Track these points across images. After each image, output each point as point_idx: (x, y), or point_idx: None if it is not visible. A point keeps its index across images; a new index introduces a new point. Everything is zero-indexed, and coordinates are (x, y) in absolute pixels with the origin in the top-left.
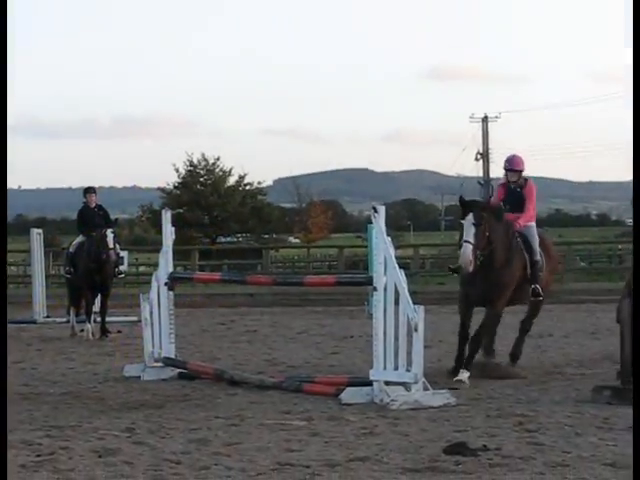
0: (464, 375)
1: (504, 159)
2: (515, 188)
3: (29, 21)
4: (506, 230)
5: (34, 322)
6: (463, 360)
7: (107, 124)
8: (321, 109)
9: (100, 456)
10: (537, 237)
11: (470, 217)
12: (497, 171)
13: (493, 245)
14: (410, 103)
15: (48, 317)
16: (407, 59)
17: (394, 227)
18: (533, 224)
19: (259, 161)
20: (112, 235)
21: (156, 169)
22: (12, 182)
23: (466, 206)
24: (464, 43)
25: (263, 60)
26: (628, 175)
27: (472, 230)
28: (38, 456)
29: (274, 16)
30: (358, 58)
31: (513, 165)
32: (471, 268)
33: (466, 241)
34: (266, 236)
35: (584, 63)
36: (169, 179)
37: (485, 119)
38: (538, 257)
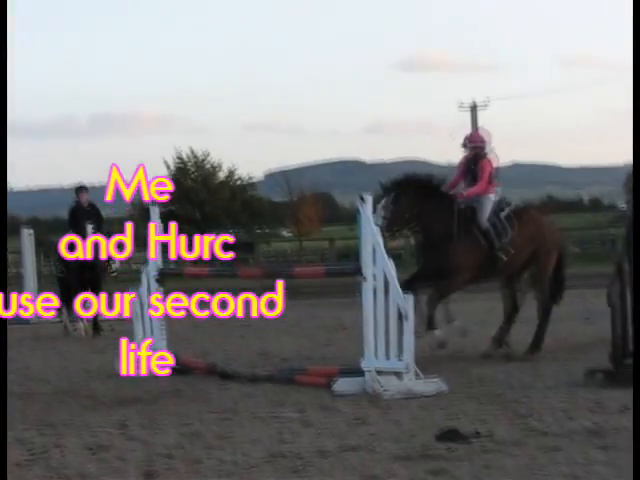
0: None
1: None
2: (471, 164)
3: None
4: (445, 203)
5: (27, 321)
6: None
7: (86, 122)
8: (301, 102)
9: (93, 452)
10: (488, 208)
11: (383, 200)
12: None
13: (424, 219)
14: (387, 94)
15: (40, 316)
16: (380, 50)
17: None
18: (488, 196)
19: (247, 155)
20: (90, 227)
21: (147, 166)
22: None
23: (384, 190)
24: (434, 33)
25: (242, 54)
26: (620, 159)
27: (383, 211)
28: (31, 454)
29: (254, 10)
30: (333, 50)
31: (469, 141)
32: (387, 241)
33: (382, 217)
34: (258, 230)
35: (562, 48)
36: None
37: (474, 107)
38: (484, 223)
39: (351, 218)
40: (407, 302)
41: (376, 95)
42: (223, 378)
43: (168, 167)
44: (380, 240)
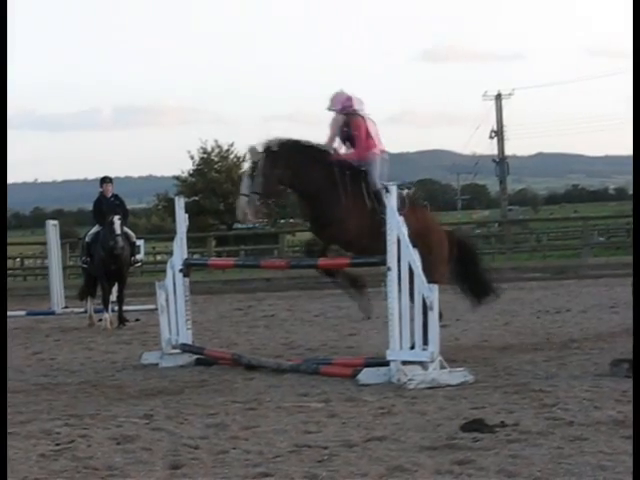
0: None
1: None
2: (344, 127)
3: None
4: (325, 168)
5: (52, 313)
6: None
7: (110, 114)
8: (323, 93)
9: (119, 443)
10: (378, 167)
11: (251, 167)
12: (512, 148)
13: (303, 187)
14: (411, 84)
15: (66, 308)
16: (400, 42)
17: None
18: (376, 155)
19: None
20: (119, 222)
21: (171, 157)
22: (29, 175)
23: (252, 159)
24: (458, 23)
25: (263, 46)
26: None
27: (247, 182)
28: (57, 445)
29: (275, 2)
30: (354, 42)
31: (332, 105)
32: (251, 218)
33: (241, 194)
34: (282, 221)
35: (588, 37)
36: (184, 167)
37: (498, 97)
38: (376, 183)
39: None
40: (432, 292)
41: (399, 86)
42: (248, 369)
43: (192, 158)
44: (405, 230)
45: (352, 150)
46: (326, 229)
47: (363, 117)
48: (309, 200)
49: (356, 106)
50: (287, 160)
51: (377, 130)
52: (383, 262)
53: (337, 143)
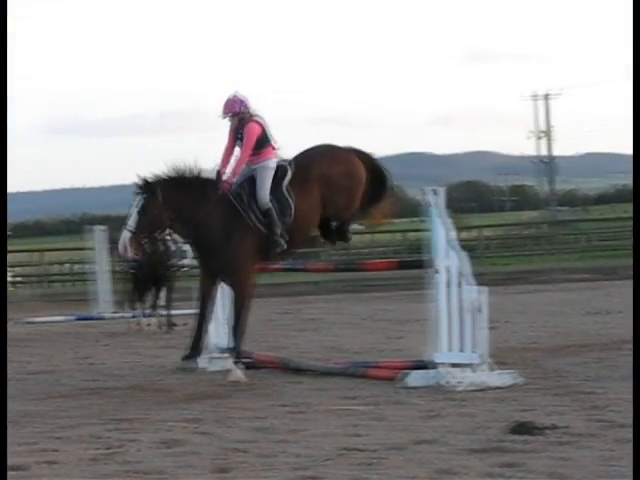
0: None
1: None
2: (239, 133)
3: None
4: (207, 193)
5: (102, 318)
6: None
7: (155, 119)
8: (368, 95)
9: (168, 447)
10: (268, 179)
11: (135, 202)
12: (559, 149)
13: (184, 224)
14: (456, 85)
15: (115, 312)
16: (444, 43)
17: (458, 209)
18: (266, 164)
19: None
20: None
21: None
22: (77, 181)
23: (140, 188)
24: (502, 23)
25: (307, 48)
26: None
27: (134, 217)
28: (107, 449)
29: (319, 4)
30: (397, 43)
31: (224, 111)
32: (131, 254)
33: (125, 227)
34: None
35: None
36: None
37: (545, 97)
38: (266, 202)
39: (422, 211)
40: (480, 294)
41: (445, 87)
42: (295, 372)
43: None
44: (452, 232)
45: (239, 158)
46: (212, 262)
47: (257, 121)
48: (192, 236)
49: (250, 109)
50: (168, 198)
51: (269, 131)
52: (431, 264)
53: (234, 151)
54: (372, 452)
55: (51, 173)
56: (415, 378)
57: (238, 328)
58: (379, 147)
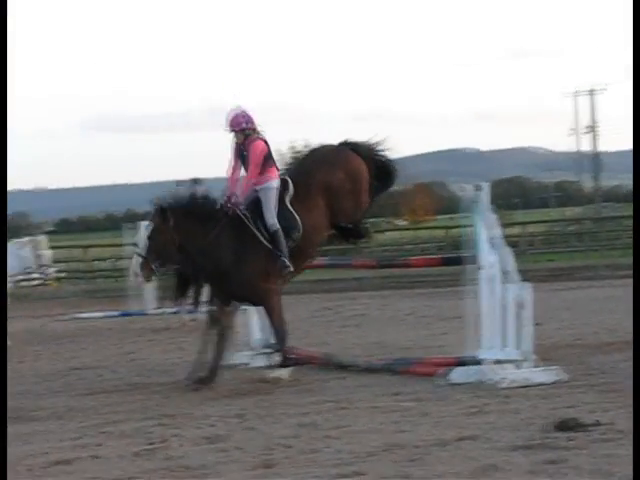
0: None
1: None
2: (243, 150)
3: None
4: (214, 220)
5: (145, 313)
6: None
7: (204, 115)
8: (412, 91)
9: (211, 442)
10: (272, 200)
11: (146, 229)
12: (604, 145)
13: (193, 249)
14: (497, 82)
15: (158, 308)
16: (489, 40)
17: (502, 205)
18: (269, 185)
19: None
20: None
21: None
22: (121, 178)
23: (154, 214)
24: (546, 19)
25: (352, 43)
26: None
27: (145, 243)
28: (151, 444)
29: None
30: (442, 39)
31: (230, 125)
32: (143, 280)
33: (137, 253)
34: (371, 220)
35: None
36: None
37: (591, 92)
38: (274, 224)
39: (466, 207)
40: (524, 290)
41: (488, 83)
42: (339, 368)
43: (282, 157)
44: (497, 228)
45: (246, 177)
46: (226, 284)
47: (262, 139)
48: (203, 260)
49: (255, 126)
50: (176, 224)
51: (271, 151)
52: (475, 260)
53: (238, 169)
54: (415, 448)
55: (96, 169)
56: (459, 374)
57: (280, 335)
58: (423, 143)
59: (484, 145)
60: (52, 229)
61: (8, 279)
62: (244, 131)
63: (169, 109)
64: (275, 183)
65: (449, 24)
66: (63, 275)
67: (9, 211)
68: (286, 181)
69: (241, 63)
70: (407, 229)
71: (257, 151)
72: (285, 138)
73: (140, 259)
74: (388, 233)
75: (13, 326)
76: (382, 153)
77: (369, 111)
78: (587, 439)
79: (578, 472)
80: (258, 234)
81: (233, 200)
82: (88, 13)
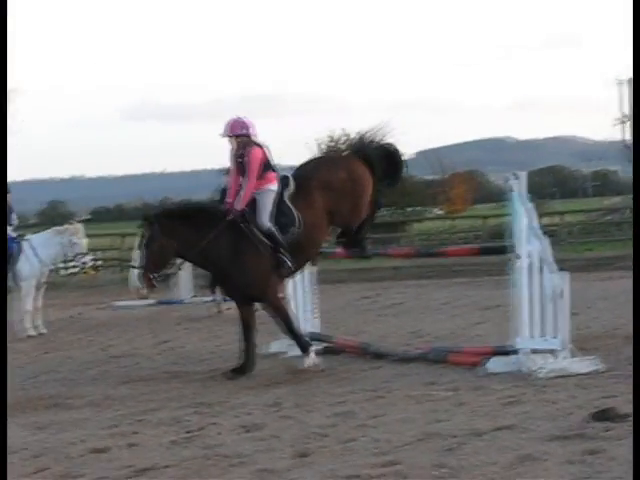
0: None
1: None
2: (239, 158)
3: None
4: (212, 224)
5: (181, 302)
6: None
7: (235, 103)
8: (451, 81)
9: (248, 431)
10: (268, 203)
11: (140, 239)
12: None
13: (190, 256)
14: (536, 71)
15: (195, 297)
16: (528, 28)
17: (540, 195)
18: (267, 190)
19: (398, 134)
20: None
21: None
22: (156, 166)
23: (144, 223)
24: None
25: (389, 32)
26: None
27: (139, 254)
28: (188, 432)
29: None
30: (482, 28)
31: (228, 131)
32: (145, 291)
33: (131, 266)
34: (409, 209)
35: None
36: (308, 156)
37: (630, 81)
38: (267, 225)
39: (503, 196)
40: (562, 280)
41: (528, 72)
42: (375, 357)
43: (319, 146)
44: (534, 217)
45: (245, 185)
46: (226, 287)
47: (260, 146)
48: (203, 263)
49: (252, 134)
50: (171, 230)
51: (271, 157)
52: (512, 249)
53: (237, 176)
54: (452, 438)
55: (133, 158)
56: (496, 364)
57: (289, 325)
58: (462, 132)
59: (524, 134)
60: (89, 217)
61: (48, 267)
62: (238, 137)
63: (205, 98)
64: (273, 187)
65: (491, 13)
66: (100, 264)
67: (45, 199)
68: (287, 178)
69: (279, 53)
70: (445, 218)
71: (255, 160)
72: (325, 127)
73: (137, 271)
74: (426, 222)
75: (50, 315)
76: (389, 145)
77: (408, 100)
78: (625, 429)
79: (616, 463)
80: (257, 232)
81: (235, 207)
82: (125, 7)
